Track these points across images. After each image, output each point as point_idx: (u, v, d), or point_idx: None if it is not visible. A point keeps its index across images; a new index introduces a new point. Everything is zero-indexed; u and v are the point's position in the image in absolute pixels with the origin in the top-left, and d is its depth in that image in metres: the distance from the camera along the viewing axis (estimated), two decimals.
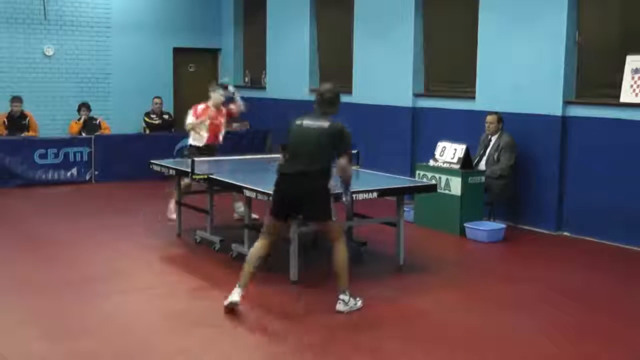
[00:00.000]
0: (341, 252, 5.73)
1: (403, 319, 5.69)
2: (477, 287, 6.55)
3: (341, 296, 5.69)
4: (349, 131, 5.71)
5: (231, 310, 5.57)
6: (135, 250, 7.60)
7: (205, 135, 8.85)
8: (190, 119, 8.83)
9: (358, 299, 5.77)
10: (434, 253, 7.69)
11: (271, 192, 5.96)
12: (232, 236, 7.45)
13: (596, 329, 5.52)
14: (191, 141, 8.92)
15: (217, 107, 9.00)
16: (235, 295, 5.58)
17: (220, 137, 9.11)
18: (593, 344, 5.22)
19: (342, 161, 5.63)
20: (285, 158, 5.82)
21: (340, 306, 5.67)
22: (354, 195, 6.27)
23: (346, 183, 5.78)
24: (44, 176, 11.37)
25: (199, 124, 8.79)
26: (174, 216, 8.48)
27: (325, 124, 5.69)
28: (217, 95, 9.00)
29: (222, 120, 9.10)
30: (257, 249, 5.80)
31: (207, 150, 8.88)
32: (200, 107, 8.92)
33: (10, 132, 11.89)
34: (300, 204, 5.73)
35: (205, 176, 7.11)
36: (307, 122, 5.77)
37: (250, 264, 5.73)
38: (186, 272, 6.84)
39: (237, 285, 5.64)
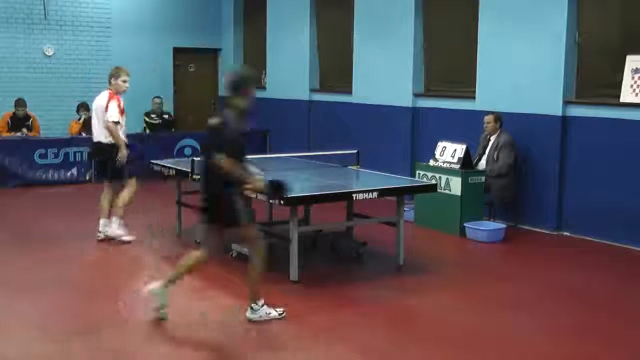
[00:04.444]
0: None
1: (403, 319, 5.69)
2: (477, 287, 6.55)
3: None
4: (229, 125, 5.15)
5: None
6: (136, 250, 7.60)
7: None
8: (116, 113, 7.59)
9: (273, 309, 5.43)
10: (433, 253, 7.69)
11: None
12: (232, 236, 7.43)
13: (596, 329, 5.52)
14: (104, 139, 7.73)
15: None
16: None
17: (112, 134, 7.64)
18: (593, 344, 5.22)
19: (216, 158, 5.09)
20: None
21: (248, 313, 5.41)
22: (354, 195, 6.30)
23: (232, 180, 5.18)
24: (44, 176, 11.38)
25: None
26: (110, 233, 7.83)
27: (211, 120, 5.31)
28: (120, 83, 7.69)
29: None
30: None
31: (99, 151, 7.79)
32: (117, 97, 7.68)
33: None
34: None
35: None
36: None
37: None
38: None
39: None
